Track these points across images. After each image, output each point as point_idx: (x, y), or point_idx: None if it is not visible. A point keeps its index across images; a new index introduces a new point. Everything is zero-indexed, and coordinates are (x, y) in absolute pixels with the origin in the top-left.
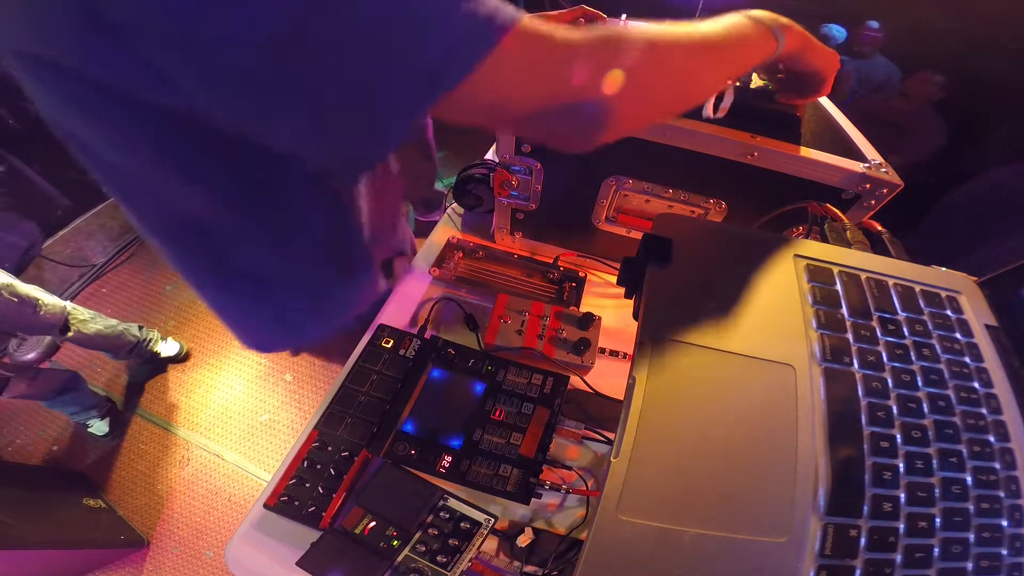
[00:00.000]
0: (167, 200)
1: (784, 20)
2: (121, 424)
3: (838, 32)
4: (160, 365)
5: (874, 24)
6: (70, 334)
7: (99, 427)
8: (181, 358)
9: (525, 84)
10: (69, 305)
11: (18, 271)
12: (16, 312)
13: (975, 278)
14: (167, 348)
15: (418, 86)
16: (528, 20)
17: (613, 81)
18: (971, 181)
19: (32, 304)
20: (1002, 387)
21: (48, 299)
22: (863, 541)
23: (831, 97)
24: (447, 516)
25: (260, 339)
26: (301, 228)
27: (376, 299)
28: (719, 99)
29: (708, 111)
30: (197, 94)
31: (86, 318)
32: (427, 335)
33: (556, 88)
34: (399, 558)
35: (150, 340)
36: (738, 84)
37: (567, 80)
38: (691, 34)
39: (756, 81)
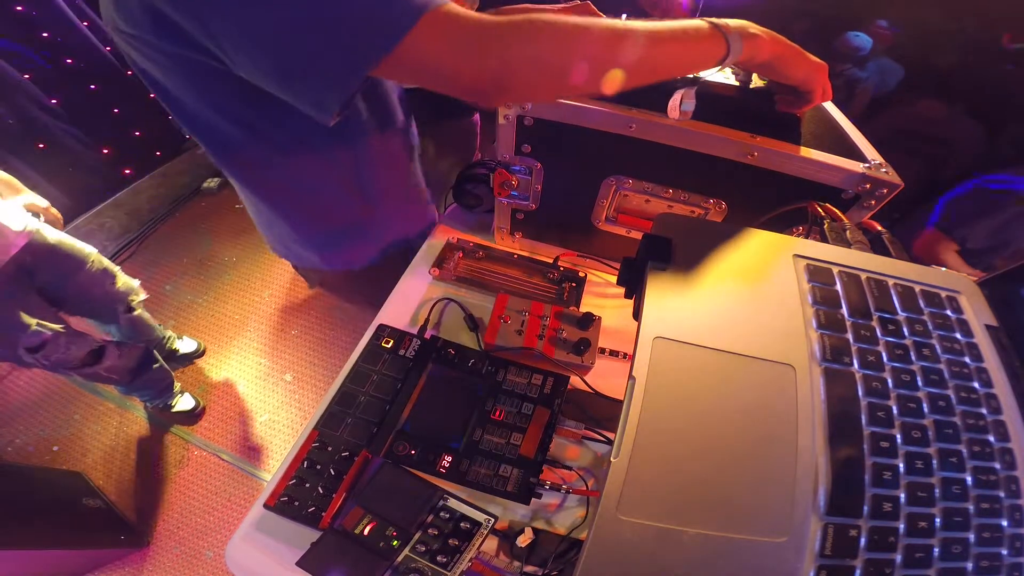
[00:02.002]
0: (215, 127)
1: (754, 30)
2: (121, 424)
3: (864, 41)
4: (180, 362)
5: (883, 23)
6: (135, 312)
7: (184, 402)
8: (199, 354)
9: (442, 55)
10: (136, 283)
11: None
12: (98, 281)
13: (975, 278)
14: (184, 345)
15: (358, 51)
16: (448, 5)
17: (511, 57)
18: (958, 179)
19: (112, 276)
20: (1002, 387)
21: (121, 275)
22: (863, 541)
23: (849, 109)
24: (447, 516)
25: (289, 249)
26: (315, 163)
27: (388, 241)
28: (683, 103)
29: (671, 113)
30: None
31: (142, 300)
32: (427, 335)
33: (463, 60)
34: (399, 558)
35: (167, 338)
36: (738, 83)
37: (474, 57)
38: (614, 24)
39: (756, 81)
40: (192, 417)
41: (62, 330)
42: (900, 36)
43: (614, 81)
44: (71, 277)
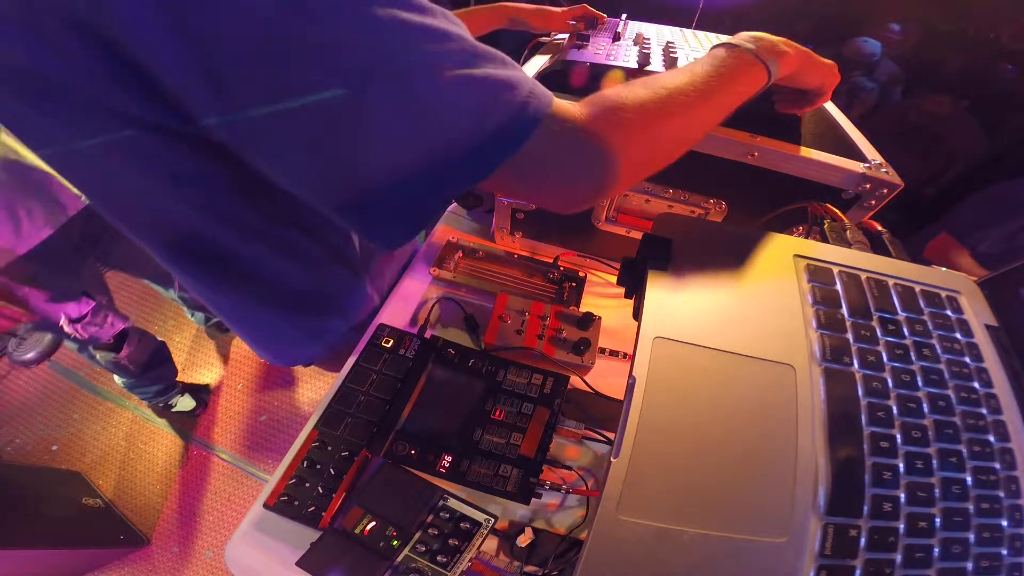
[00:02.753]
0: (183, 226)
1: (780, 46)
2: (121, 424)
3: (874, 47)
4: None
5: (896, 27)
6: None
7: (184, 403)
8: None
9: (546, 165)
10: None
11: None
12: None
13: (975, 278)
14: None
15: (451, 180)
16: (557, 106)
17: (613, 152)
18: (971, 182)
19: None
20: (1002, 387)
21: None
22: (863, 541)
23: (849, 111)
24: (447, 516)
25: (277, 352)
26: (315, 248)
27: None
28: None
29: None
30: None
31: None
32: (427, 335)
33: (564, 162)
34: (399, 558)
35: None
36: None
37: (578, 156)
38: (680, 88)
39: None
40: (192, 418)
41: (104, 302)
42: (906, 38)
43: (692, 145)
44: (119, 240)
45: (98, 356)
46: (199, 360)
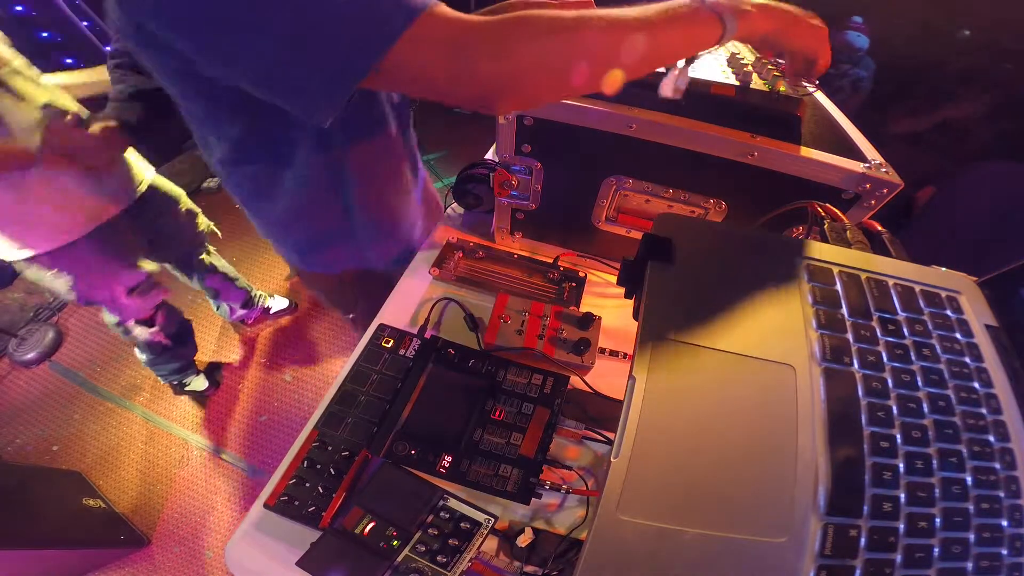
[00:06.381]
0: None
1: (746, 6)
2: (121, 424)
3: (864, 41)
4: (274, 319)
5: (858, 19)
6: (207, 257)
7: (198, 383)
8: (292, 309)
9: (436, 62)
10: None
11: (14, 273)
12: (186, 224)
13: (975, 278)
14: (276, 304)
15: (345, 64)
16: (439, 7)
17: (512, 61)
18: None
19: (195, 215)
20: (1002, 387)
21: (201, 216)
22: (863, 541)
23: (848, 101)
24: (447, 516)
25: (295, 254)
26: (299, 171)
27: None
28: (679, 80)
29: (663, 91)
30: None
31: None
32: (427, 335)
33: (461, 67)
34: (399, 558)
35: (258, 297)
36: (738, 83)
37: (472, 61)
38: (609, 15)
39: (756, 81)
40: (202, 399)
41: (150, 275)
42: (888, 34)
43: (616, 78)
44: (165, 217)
45: (136, 332)
46: (200, 361)
